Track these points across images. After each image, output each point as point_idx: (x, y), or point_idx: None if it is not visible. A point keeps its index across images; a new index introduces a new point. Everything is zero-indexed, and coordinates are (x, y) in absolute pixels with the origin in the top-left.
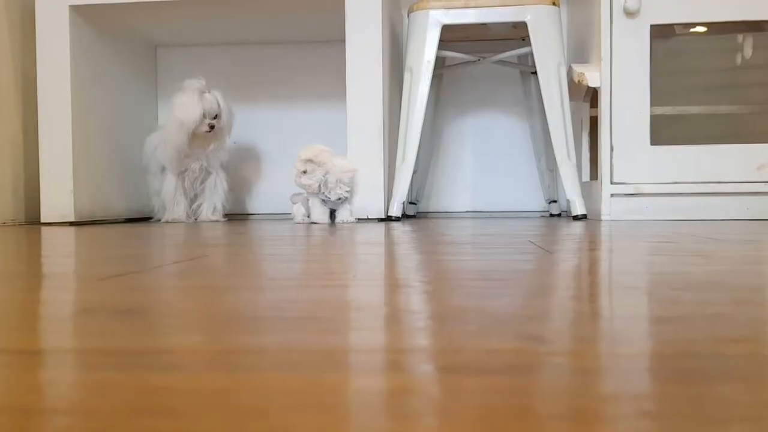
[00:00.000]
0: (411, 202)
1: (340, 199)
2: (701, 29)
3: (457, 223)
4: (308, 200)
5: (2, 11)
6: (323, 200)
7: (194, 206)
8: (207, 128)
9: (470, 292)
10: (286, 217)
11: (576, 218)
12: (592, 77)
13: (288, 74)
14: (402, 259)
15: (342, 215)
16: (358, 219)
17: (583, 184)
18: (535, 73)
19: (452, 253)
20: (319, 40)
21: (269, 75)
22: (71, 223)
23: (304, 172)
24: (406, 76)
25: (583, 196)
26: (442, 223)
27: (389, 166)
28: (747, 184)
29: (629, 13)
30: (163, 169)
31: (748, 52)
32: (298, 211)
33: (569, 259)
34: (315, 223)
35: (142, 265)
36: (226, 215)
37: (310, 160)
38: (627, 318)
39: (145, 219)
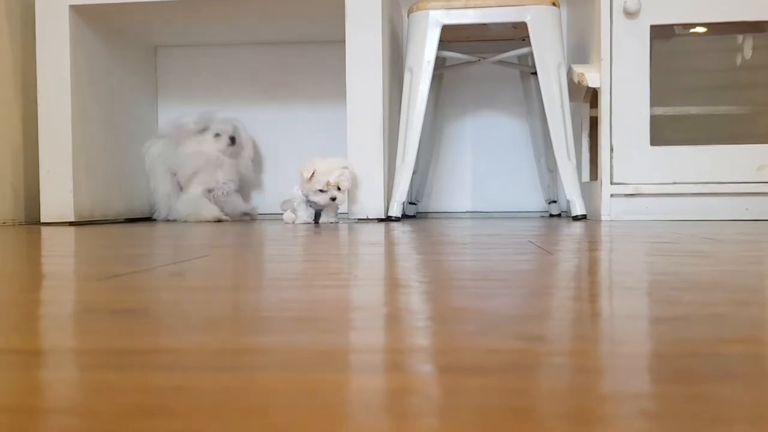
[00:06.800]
0: (411, 203)
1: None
2: (701, 30)
3: (457, 223)
4: (293, 203)
5: (2, 11)
6: (308, 203)
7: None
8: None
9: (470, 292)
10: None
11: (576, 219)
12: (592, 78)
13: (288, 75)
14: (402, 259)
15: (326, 216)
16: (358, 219)
17: (582, 185)
18: (535, 73)
19: (452, 254)
20: (319, 41)
21: (269, 76)
22: (71, 223)
23: (334, 194)
24: (406, 77)
25: (583, 197)
26: (442, 223)
27: (389, 167)
28: (746, 184)
29: (629, 14)
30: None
31: (748, 52)
32: (288, 217)
33: (569, 259)
34: (302, 223)
35: (142, 265)
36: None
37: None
38: (627, 318)
39: (145, 219)
